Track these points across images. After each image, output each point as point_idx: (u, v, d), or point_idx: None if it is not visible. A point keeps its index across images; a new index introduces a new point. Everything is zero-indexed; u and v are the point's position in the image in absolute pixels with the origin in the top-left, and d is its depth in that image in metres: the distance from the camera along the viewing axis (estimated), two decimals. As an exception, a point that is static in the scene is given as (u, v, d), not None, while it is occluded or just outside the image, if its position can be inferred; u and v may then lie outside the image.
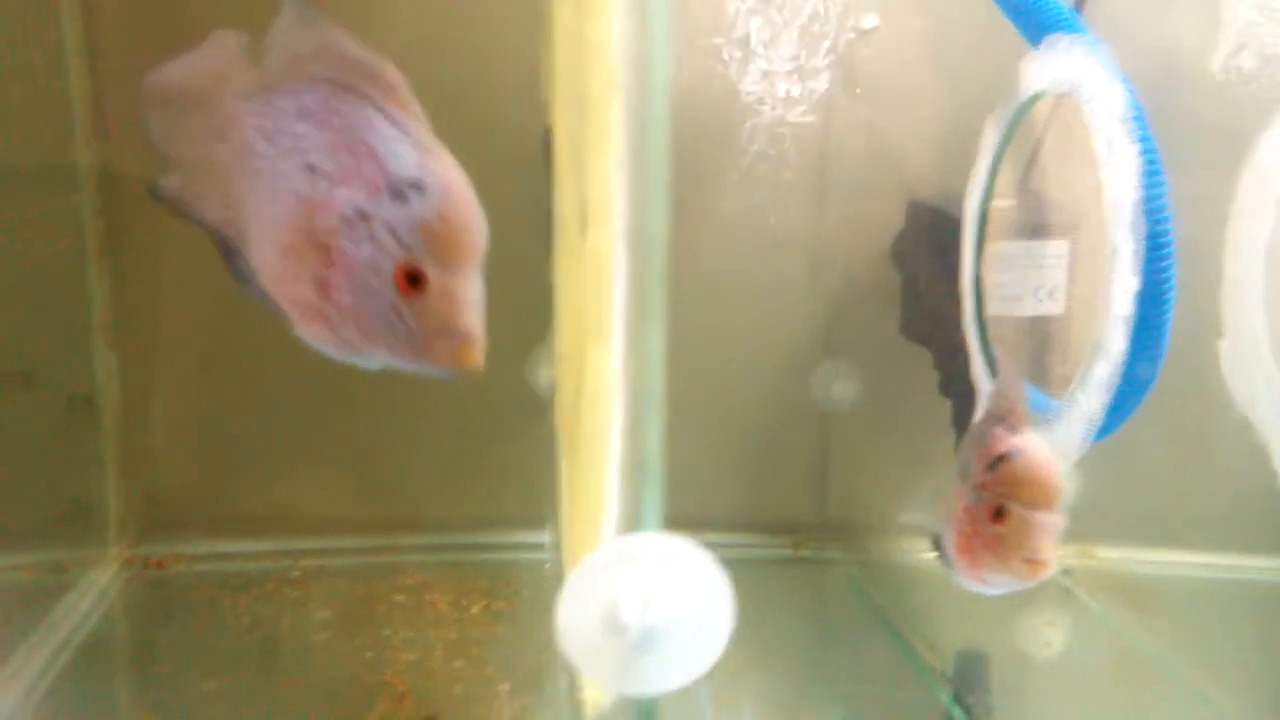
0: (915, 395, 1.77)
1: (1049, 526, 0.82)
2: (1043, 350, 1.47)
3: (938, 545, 0.98)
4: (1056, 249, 1.47)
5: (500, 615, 1.61)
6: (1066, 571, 1.76)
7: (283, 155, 0.56)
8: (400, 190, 0.54)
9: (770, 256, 1.86)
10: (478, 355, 0.57)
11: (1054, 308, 1.47)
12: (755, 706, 1.41)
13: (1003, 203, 1.53)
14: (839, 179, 1.80)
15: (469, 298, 0.57)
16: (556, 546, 1.75)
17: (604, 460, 1.00)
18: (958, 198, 1.53)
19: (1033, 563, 0.81)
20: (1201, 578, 1.74)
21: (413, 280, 0.54)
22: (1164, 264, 1.03)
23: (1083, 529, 1.84)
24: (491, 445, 1.84)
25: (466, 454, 1.84)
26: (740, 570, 1.86)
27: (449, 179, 0.55)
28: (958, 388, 1.68)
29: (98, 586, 1.63)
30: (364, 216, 0.54)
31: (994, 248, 1.55)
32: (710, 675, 1.47)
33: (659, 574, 0.67)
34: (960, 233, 1.53)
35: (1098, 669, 1.54)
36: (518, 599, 1.68)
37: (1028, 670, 1.57)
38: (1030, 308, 1.49)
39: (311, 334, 0.60)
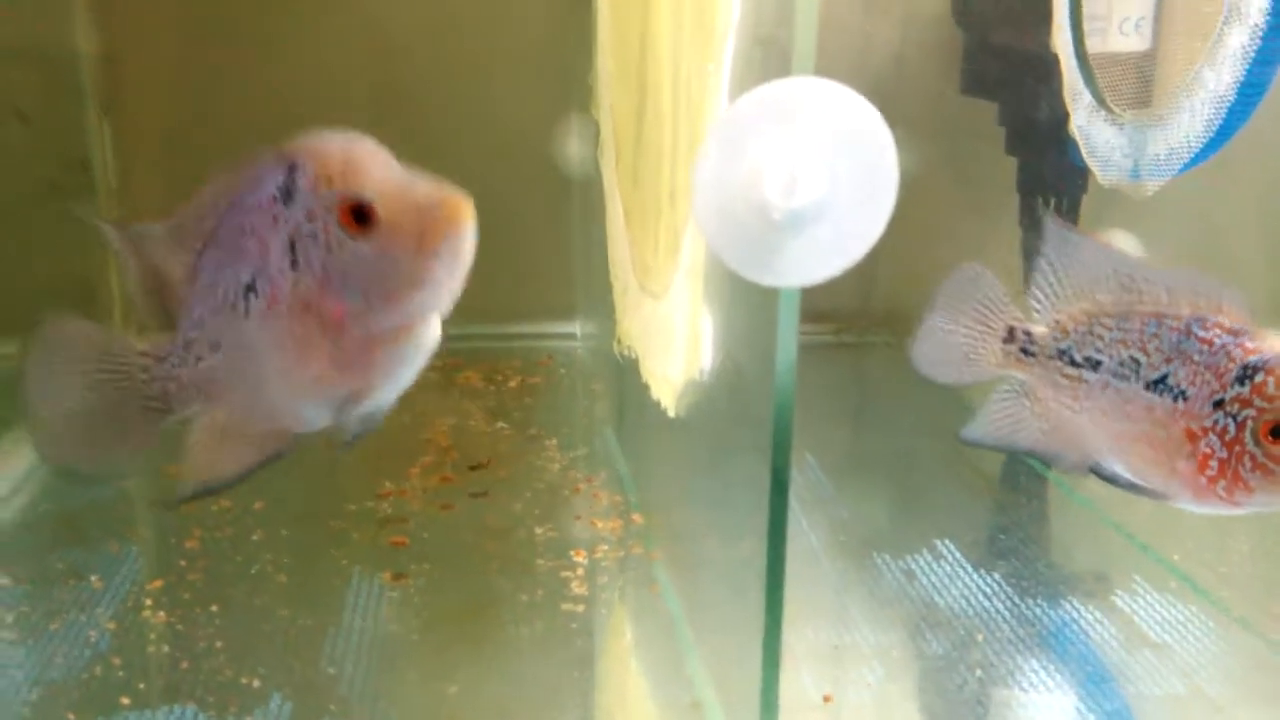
0: (975, 164, 1.66)
1: None
2: (1149, 83, 1.33)
3: (1108, 477, 0.80)
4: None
5: (537, 389, 1.51)
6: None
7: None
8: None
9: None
10: (462, 204, 0.54)
11: (1139, 42, 1.34)
12: (841, 461, 1.32)
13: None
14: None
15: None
16: (589, 335, 1.66)
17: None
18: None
19: None
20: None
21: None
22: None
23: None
24: (519, 234, 1.72)
25: (492, 242, 1.72)
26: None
27: None
28: (1026, 143, 1.56)
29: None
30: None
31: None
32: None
33: (811, 136, 0.56)
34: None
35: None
36: (554, 376, 1.58)
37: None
38: (1114, 42, 1.35)
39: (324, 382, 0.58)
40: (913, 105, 1.73)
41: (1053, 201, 1.54)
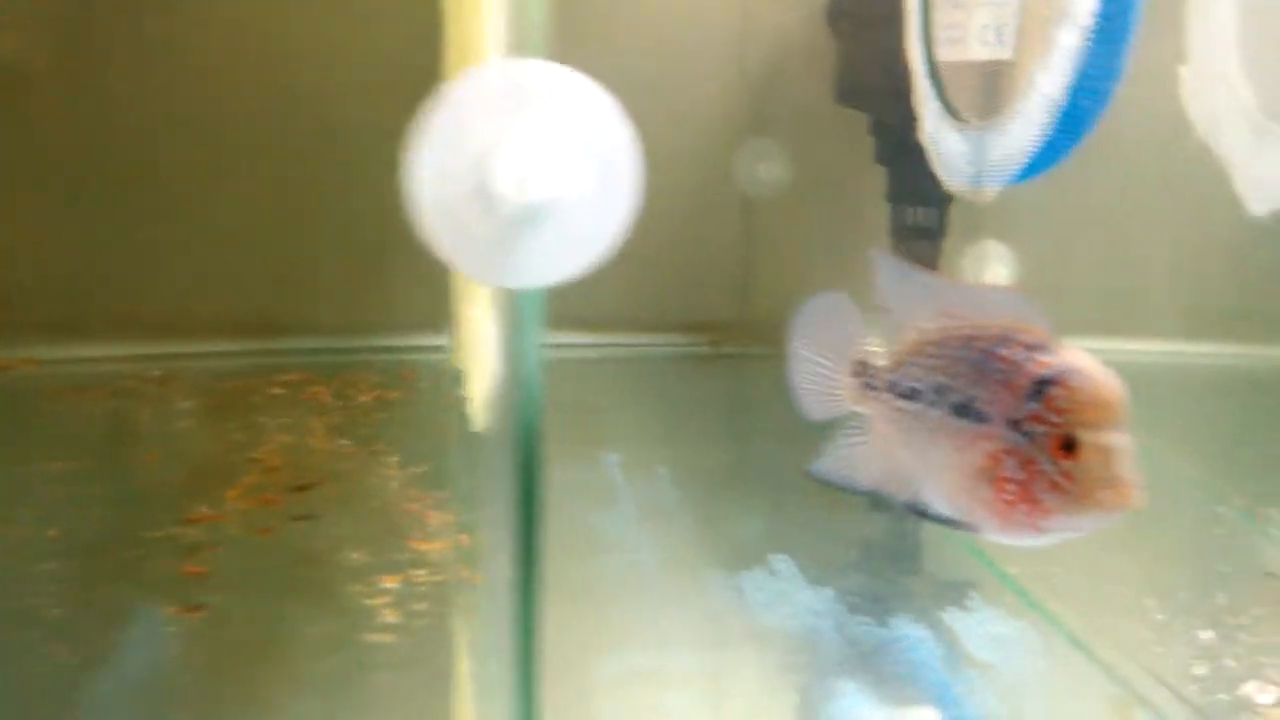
0: (845, 175, 1.64)
1: (1128, 447, 0.65)
2: (995, 91, 1.32)
3: (923, 513, 0.77)
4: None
5: (391, 404, 1.45)
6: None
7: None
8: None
9: (689, 22, 1.68)
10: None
11: (1002, 51, 1.33)
12: (679, 476, 1.28)
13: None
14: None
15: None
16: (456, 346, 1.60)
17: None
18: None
19: (1120, 489, 0.63)
20: (1149, 363, 1.66)
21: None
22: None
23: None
24: (390, 243, 1.66)
25: (361, 254, 1.66)
26: (655, 367, 1.74)
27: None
28: (895, 153, 1.54)
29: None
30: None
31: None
32: (628, 452, 1.36)
33: (546, 125, 0.51)
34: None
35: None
36: (414, 390, 1.52)
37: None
38: (976, 51, 1.34)
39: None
40: (788, 114, 1.71)
41: (920, 211, 1.53)
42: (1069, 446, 0.63)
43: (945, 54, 1.31)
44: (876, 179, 1.57)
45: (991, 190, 1.10)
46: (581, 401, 1.53)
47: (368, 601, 0.96)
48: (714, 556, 1.06)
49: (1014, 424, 0.68)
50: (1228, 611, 0.95)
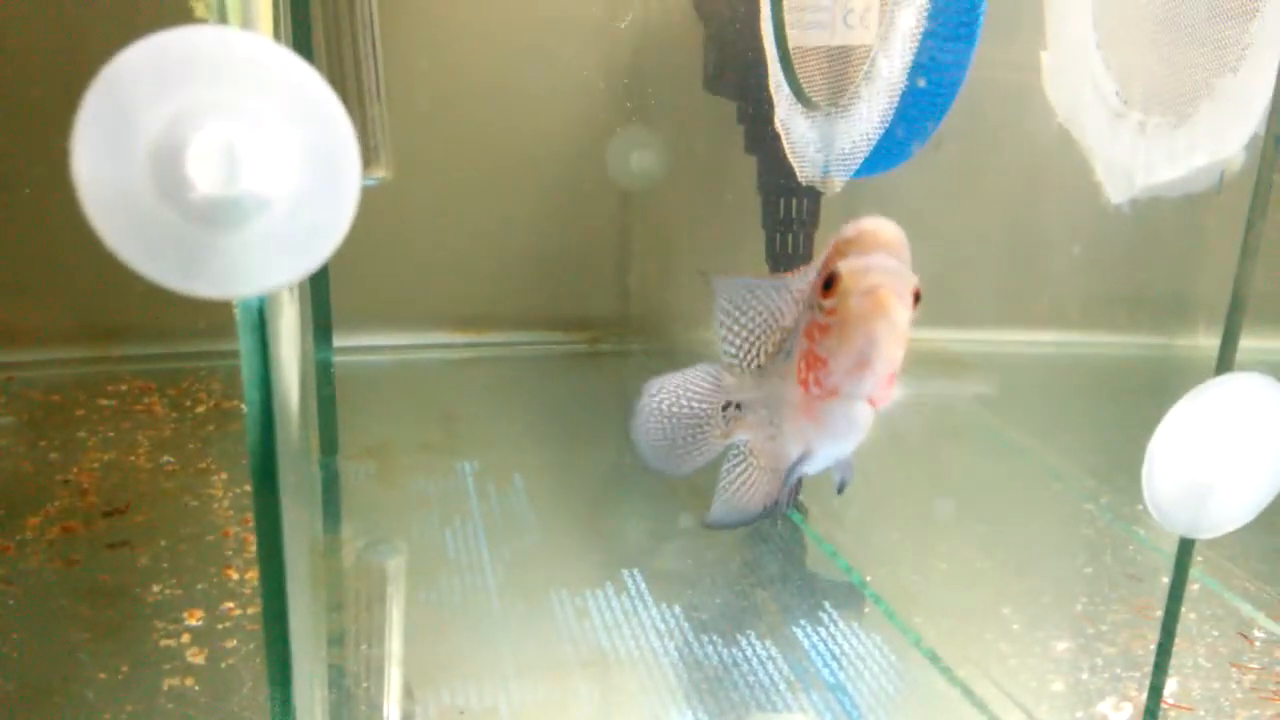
0: (720, 165, 1.58)
1: (890, 268, 0.59)
2: (846, 73, 1.28)
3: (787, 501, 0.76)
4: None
5: (230, 414, 1.34)
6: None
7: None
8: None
9: (556, 6, 1.60)
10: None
11: (864, 35, 1.28)
12: (542, 485, 1.21)
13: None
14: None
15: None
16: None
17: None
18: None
19: (874, 295, 0.57)
20: (1021, 353, 1.65)
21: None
22: None
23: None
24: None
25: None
26: (530, 367, 1.67)
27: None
28: (763, 143, 1.49)
29: None
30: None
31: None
32: (489, 458, 1.28)
33: (250, 105, 0.44)
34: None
35: (915, 431, 1.42)
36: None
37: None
38: (840, 35, 1.29)
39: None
40: (662, 104, 1.65)
41: (792, 201, 1.48)
42: (830, 284, 0.59)
43: (798, 38, 1.26)
44: (749, 170, 1.52)
45: (839, 180, 1.05)
46: (448, 406, 1.45)
47: (169, 641, 0.86)
48: (562, 574, 1.00)
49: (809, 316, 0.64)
50: (1087, 618, 0.92)
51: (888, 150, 1.02)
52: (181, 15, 0.48)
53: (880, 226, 0.62)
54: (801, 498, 1.16)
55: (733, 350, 0.73)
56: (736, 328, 0.73)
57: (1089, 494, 1.17)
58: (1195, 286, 1.63)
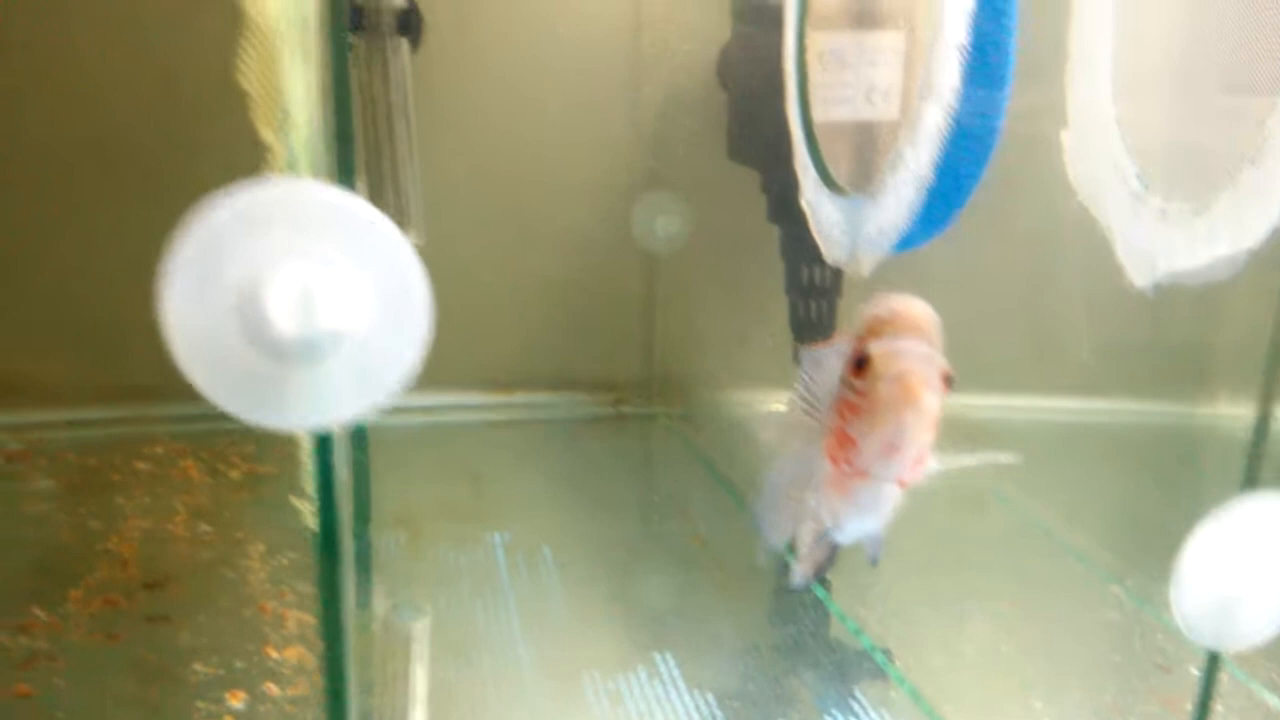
0: (746, 231, 1.61)
1: (921, 354, 0.61)
2: (872, 154, 1.31)
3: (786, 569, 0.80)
4: (891, 41, 1.31)
5: (264, 479, 1.37)
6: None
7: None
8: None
9: (582, 76, 1.64)
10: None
11: (888, 111, 1.31)
12: (572, 558, 1.23)
13: (832, -9, 1.35)
14: (657, -22, 1.59)
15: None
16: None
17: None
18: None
19: (904, 381, 0.59)
20: (1044, 421, 1.66)
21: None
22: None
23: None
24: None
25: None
26: (555, 429, 1.69)
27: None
28: (786, 212, 1.52)
29: None
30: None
31: (819, 42, 1.37)
32: (519, 529, 1.30)
33: (322, 249, 0.46)
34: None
35: (937, 503, 1.43)
36: (289, 463, 1.43)
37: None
38: (863, 110, 1.32)
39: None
40: (687, 170, 1.68)
41: (815, 270, 1.51)
42: (861, 365, 0.61)
43: (822, 114, 1.29)
44: (774, 236, 1.55)
45: (868, 264, 1.07)
46: (475, 470, 1.47)
47: (209, 724, 0.88)
48: (594, 654, 1.01)
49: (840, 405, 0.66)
50: (1116, 710, 0.93)
51: (911, 234, 1.05)
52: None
53: (912, 307, 0.64)
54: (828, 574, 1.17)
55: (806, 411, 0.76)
56: (812, 395, 0.75)
57: (1114, 574, 1.18)
58: (1216, 353, 1.64)
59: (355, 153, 1.13)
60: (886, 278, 1.63)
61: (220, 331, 0.46)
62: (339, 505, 0.55)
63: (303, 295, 0.47)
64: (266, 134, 0.52)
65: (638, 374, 1.76)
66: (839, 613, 1.11)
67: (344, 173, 1.14)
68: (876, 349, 0.62)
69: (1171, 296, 1.24)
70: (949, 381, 0.64)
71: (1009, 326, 1.65)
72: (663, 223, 1.65)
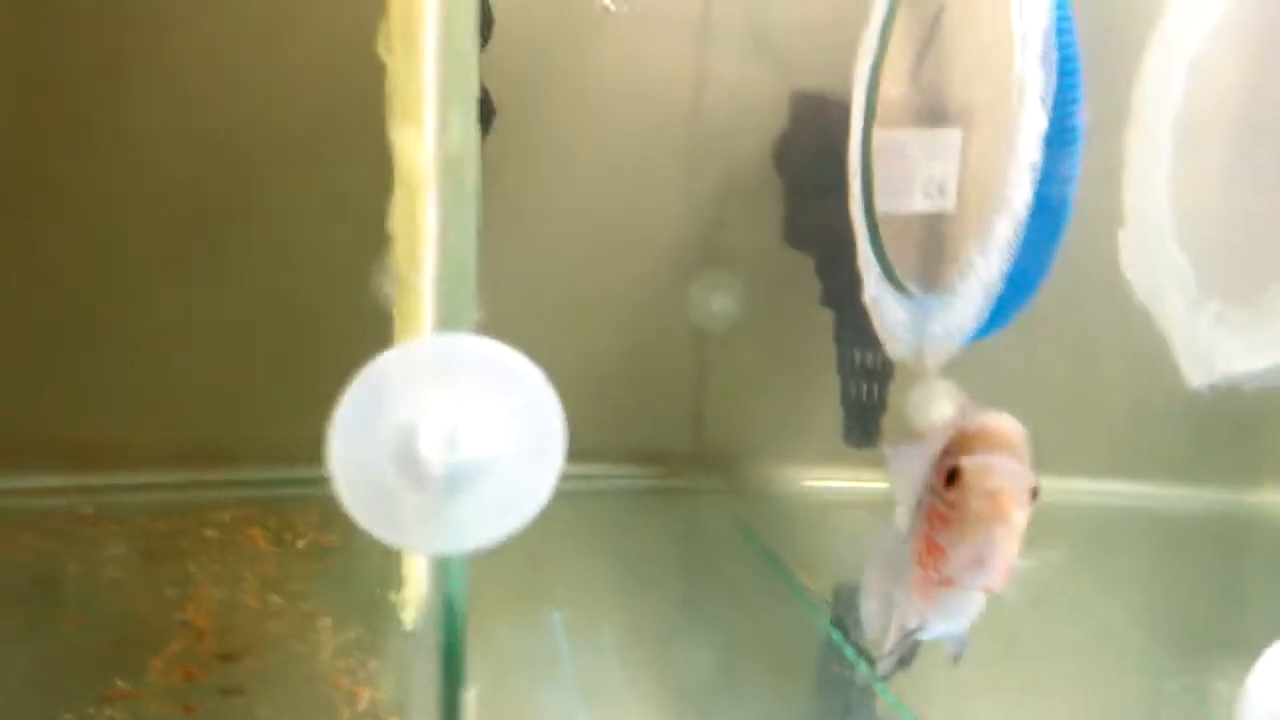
0: (798, 310, 1.65)
1: (1012, 471, 0.65)
2: (936, 253, 1.34)
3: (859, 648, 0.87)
4: (949, 138, 1.35)
5: (329, 550, 1.40)
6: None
7: None
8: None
9: (642, 158, 1.69)
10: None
11: (945, 203, 1.35)
12: (626, 637, 1.25)
13: (894, 89, 1.40)
14: (718, 68, 1.65)
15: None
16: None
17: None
18: (848, 88, 1.39)
19: (995, 498, 0.63)
20: (1094, 504, 1.67)
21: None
22: (1073, 98, 0.90)
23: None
24: (333, 365, 1.63)
25: (298, 375, 1.62)
26: (605, 502, 1.71)
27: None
28: (841, 297, 1.56)
29: None
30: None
31: (882, 136, 1.41)
32: (573, 606, 1.32)
33: (468, 391, 0.50)
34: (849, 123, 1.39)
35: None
36: (352, 533, 1.47)
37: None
38: (919, 203, 1.36)
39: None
40: (741, 250, 1.72)
41: (868, 353, 1.54)
42: (952, 478, 0.63)
43: (885, 205, 1.32)
44: (826, 316, 1.59)
45: (933, 362, 1.10)
46: (529, 545, 1.49)
47: (290, 804, 0.91)
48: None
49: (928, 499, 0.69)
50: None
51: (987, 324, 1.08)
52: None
53: (1003, 424, 0.68)
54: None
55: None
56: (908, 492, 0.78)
57: (1168, 670, 1.18)
58: (1262, 439, 1.65)
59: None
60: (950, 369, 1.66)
61: (378, 467, 0.50)
62: (459, 632, 0.58)
63: (451, 433, 0.51)
64: (406, 272, 0.56)
65: (687, 448, 1.78)
66: (895, 701, 1.12)
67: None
68: (969, 464, 0.65)
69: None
70: (1035, 494, 0.67)
71: (1066, 405, 1.67)
72: (717, 301, 1.69)
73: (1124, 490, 1.65)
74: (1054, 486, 1.67)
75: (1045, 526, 1.68)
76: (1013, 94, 0.93)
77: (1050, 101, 0.91)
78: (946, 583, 0.69)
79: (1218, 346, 1.14)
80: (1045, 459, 1.72)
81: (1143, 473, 1.65)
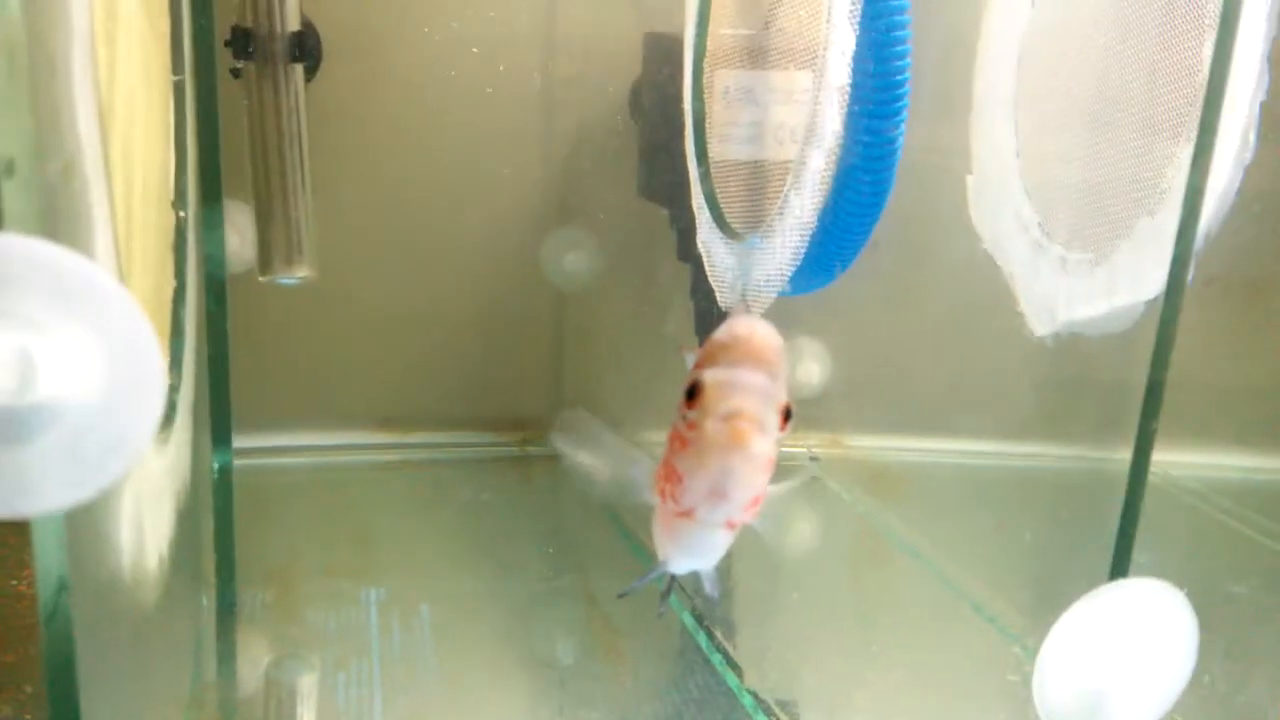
0: (656, 266, 1.56)
1: (757, 387, 0.55)
2: (760, 193, 1.26)
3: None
4: (800, 82, 1.27)
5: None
6: (814, 459, 1.60)
7: None
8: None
9: (490, 108, 1.59)
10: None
11: (786, 153, 1.27)
12: (448, 615, 1.15)
13: (732, 30, 1.30)
14: (570, 8, 1.55)
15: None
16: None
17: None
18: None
19: (733, 421, 0.53)
20: (951, 464, 1.62)
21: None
22: (895, 15, 0.82)
23: (831, 416, 1.69)
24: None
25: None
26: (460, 471, 1.61)
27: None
28: (694, 251, 1.48)
29: None
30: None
31: (722, 79, 1.32)
32: (397, 582, 1.23)
33: (32, 311, 0.40)
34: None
35: (845, 557, 1.38)
36: None
37: (771, 560, 1.38)
38: (772, 151, 1.28)
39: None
40: (597, 206, 1.63)
41: (723, 309, 1.46)
42: (693, 391, 0.55)
43: (719, 152, 1.24)
44: (685, 272, 1.50)
45: (756, 309, 1.02)
46: (363, 516, 1.39)
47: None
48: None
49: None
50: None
51: (815, 271, 1.00)
52: None
53: (753, 331, 0.57)
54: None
55: None
56: None
57: (1016, 635, 1.13)
58: (1129, 398, 1.62)
59: (221, 186, 1.05)
60: (799, 316, 1.59)
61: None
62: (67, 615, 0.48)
63: (19, 361, 0.40)
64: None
65: (546, 414, 1.69)
66: (735, 686, 1.05)
67: (211, 208, 1.07)
68: (710, 377, 0.56)
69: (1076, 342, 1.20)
70: (788, 416, 0.57)
71: (918, 366, 1.62)
72: (572, 259, 1.60)
73: (986, 450, 1.60)
74: (905, 445, 1.63)
75: (903, 487, 1.63)
76: (822, 12, 0.85)
77: (861, 20, 0.83)
78: (685, 514, 0.59)
79: (1060, 293, 1.09)
80: (903, 418, 1.67)
81: (997, 432, 1.61)
